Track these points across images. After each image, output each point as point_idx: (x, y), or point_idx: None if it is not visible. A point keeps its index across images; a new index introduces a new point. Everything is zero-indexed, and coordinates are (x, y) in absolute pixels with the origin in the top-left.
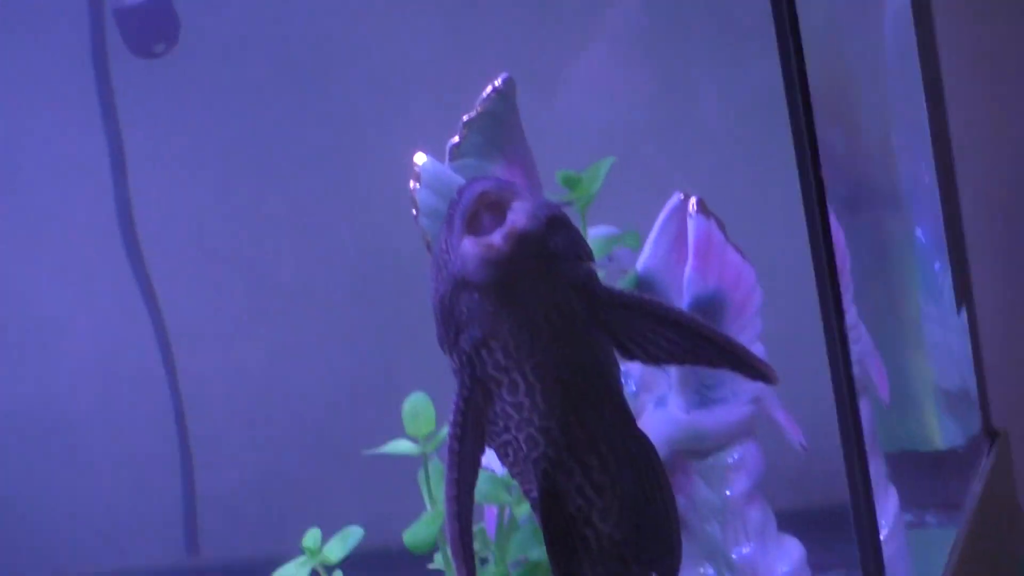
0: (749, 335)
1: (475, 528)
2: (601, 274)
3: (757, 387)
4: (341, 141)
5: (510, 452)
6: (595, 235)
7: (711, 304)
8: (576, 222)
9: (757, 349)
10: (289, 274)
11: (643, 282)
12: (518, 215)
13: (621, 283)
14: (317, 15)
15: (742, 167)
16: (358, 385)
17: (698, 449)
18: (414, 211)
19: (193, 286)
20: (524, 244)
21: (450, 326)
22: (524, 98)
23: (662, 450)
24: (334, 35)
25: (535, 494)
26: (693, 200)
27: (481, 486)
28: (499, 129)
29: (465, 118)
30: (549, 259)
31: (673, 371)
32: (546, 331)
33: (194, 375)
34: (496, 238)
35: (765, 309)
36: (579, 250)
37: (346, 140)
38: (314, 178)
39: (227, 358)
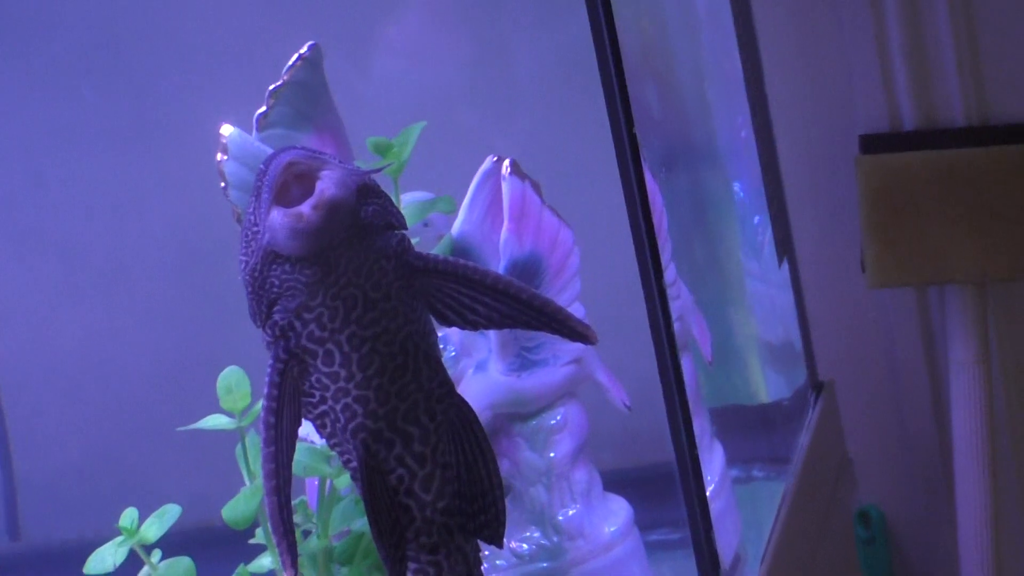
0: (568, 297)
1: (296, 501)
2: (415, 241)
3: (578, 348)
4: (148, 115)
5: (328, 423)
6: (408, 201)
7: (528, 267)
8: (389, 189)
9: (576, 310)
10: (103, 251)
11: (458, 247)
12: (327, 184)
13: (436, 249)
14: None
15: (557, 129)
16: (176, 362)
17: (521, 412)
18: (222, 184)
19: (3, 265)
20: (334, 213)
21: (262, 299)
22: (334, 65)
23: (484, 415)
24: (136, 4)
25: (355, 464)
26: (507, 162)
27: (300, 458)
28: (307, 98)
29: (271, 87)
30: (360, 228)
31: (493, 335)
32: (360, 301)
33: (7, 357)
34: (305, 208)
35: (584, 270)
36: (391, 218)
37: (153, 114)
38: (124, 154)
39: (41, 338)
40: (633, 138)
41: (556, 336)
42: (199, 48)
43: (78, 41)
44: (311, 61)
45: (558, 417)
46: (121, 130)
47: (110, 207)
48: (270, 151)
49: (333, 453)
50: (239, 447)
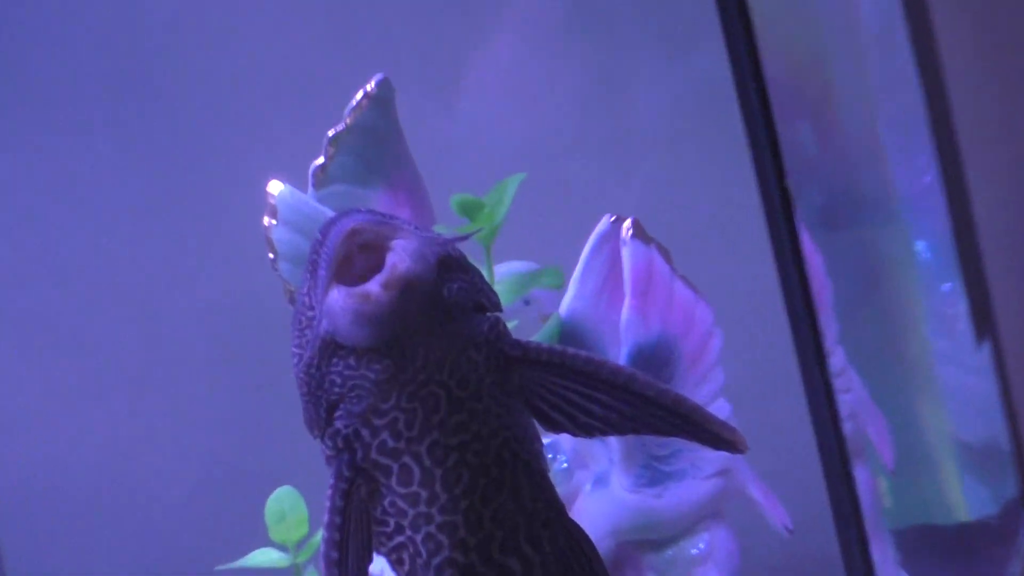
0: (708, 392)
1: None
2: (513, 324)
3: (724, 457)
4: (179, 172)
5: (406, 558)
6: (504, 274)
7: (657, 355)
8: (479, 260)
9: (720, 409)
10: (126, 342)
11: (567, 331)
12: (400, 256)
13: (540, 335)
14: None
15: (688, 181)
16: (216, 480)
17: (652, 539)
18: (271, 255)
19: (6, 362)
20: (409, 293)
21: (320, 402)
22: (410, 104)
23: (604, 543)
24: (162, 26)
25: None
26: (627, 223)
27: None
28: (375, 145)
29: (331, 133)
30: (443, 310)
31: (614, 442)
32: (444, 401)
33: (9, 464)
34: (373, 286)
35: (727, 357)
36: (481, 296)
37: (185, 171)
38: (150, 222)
39: (52, 445)
40: (785, 191)
41: (695, 443)
42: (243, 87)
43: (90, 74)
44: (380, 100)
45: (701, 545)
46: (146, 192)
47: (134, 288)
48: (329, 214)
49: None
50: None
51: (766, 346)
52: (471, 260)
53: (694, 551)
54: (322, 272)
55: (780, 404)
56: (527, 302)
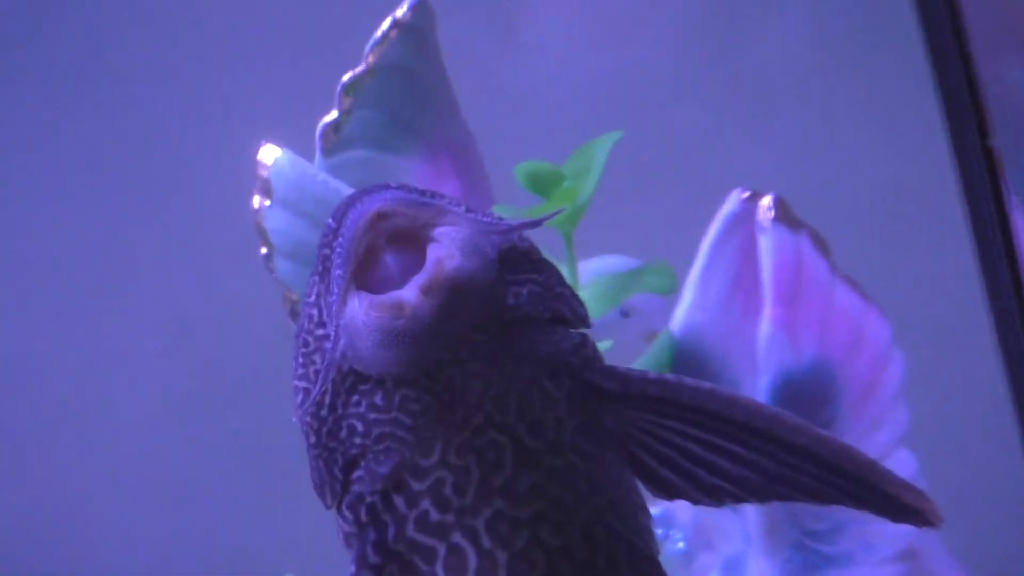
0: (884, 439)
1: None
2: (606, 346)
3: (908, 533)
4: (136, 127)
5: None
6: (593, 275)
7: (811, 387)
8: (559, 254)
9: (902, 463)
10: (67, 373)
11: (684, 354)
12: (447, 250)
13: (644, 360)
14: None
15: (850, 140)
16: (199, 562)
17: None
18: (263, 250)
19: None
20: (460, 301)
21: (334, 457)
22: (459, 39)
23: None
24: None
25: None
26: (766, 201)
27: None
28: (408, 94)
29: (347, 78)
30: (506, 325)
31: (752, 512)
32: (510, 456)
33: None
34: (409, 293)
35: (910, 389)
36: (561, 305)
37: (145, 126)
38: (94, 207)
39: None
40: (988, 152)
41: (868, 514)
42: (220, 10)
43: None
44: (415, 30)
45: None
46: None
47: (77, 298)
48: (346, 190)
49: None
50: None
51: (964, 371)
52: (546, 255)
53: None
54: (337, 273)
55: (985, 452)
56: (625, 313)
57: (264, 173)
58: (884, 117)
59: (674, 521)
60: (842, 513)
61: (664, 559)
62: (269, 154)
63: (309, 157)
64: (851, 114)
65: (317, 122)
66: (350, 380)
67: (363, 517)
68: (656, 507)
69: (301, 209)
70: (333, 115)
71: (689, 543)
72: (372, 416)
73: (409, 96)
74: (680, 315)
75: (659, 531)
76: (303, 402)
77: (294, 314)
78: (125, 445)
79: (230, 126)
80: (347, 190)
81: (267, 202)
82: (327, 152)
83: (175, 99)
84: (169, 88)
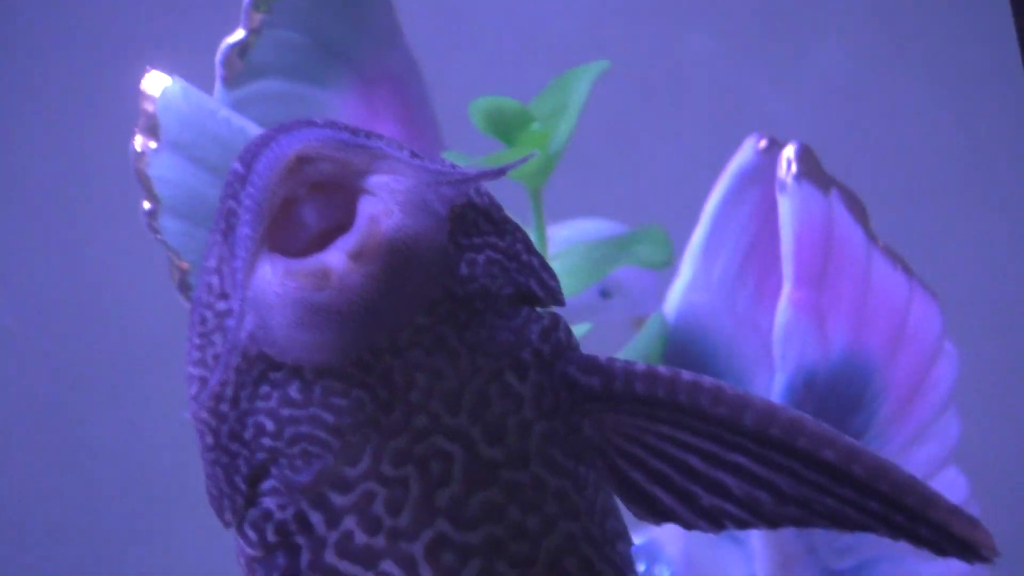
0: (930, 454)
1: None
2: (583, 330)
3: (956, 570)
4: None
5: None
6: (567, 241)
7: (841, 387)
8: (525, 216)
9: (950, 484)
10: None
11: (680, 342)
12: (384, 204)
13: (631, 348)
14: None
15: (895, 76)
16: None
17: None
18: (145, 204)
19: None
20: (400, 269)
21: (235, 464)
22: None
23: None
24: None
25: None
26: (788, 152)
27: None
28: (337, 10)
29: None
30: (459, 302)
31: (759, 541)
32: (459, 467)
33: None
34: (335, 258)
35: (964, 393)
36: (529, 278)
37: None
38: None
39: None
40: None
41: (906, 546)
42: None
43: None
44: None
45: None
46: None
47: None
48: (254, 129)
49: None
50: None
51: None
52: (508, 215)
53: None
54: (244, 232)
55: None
56: (606, 292)
57: (149, 108)
58: (944, 52)
59: (660, 554)
60: (873, 546)
61: None
62: (155, 83)
63: (208, 88)
64: (901, 48)
65: (218, 44)
66: (258, 367)
67: (270, 538)
68: (639, 535)
69: (196, 153)
70: (239, 35)
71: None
72: (286, 412)
73: (337, 14)
74: (676, 295)
75: (641, 567)
76: (198, 394)
77: (185, 286)
78: None
79: (104, 47)
80: (255, 130)
81: (152, 144)
82: (231, 82)
83: (36, 9)
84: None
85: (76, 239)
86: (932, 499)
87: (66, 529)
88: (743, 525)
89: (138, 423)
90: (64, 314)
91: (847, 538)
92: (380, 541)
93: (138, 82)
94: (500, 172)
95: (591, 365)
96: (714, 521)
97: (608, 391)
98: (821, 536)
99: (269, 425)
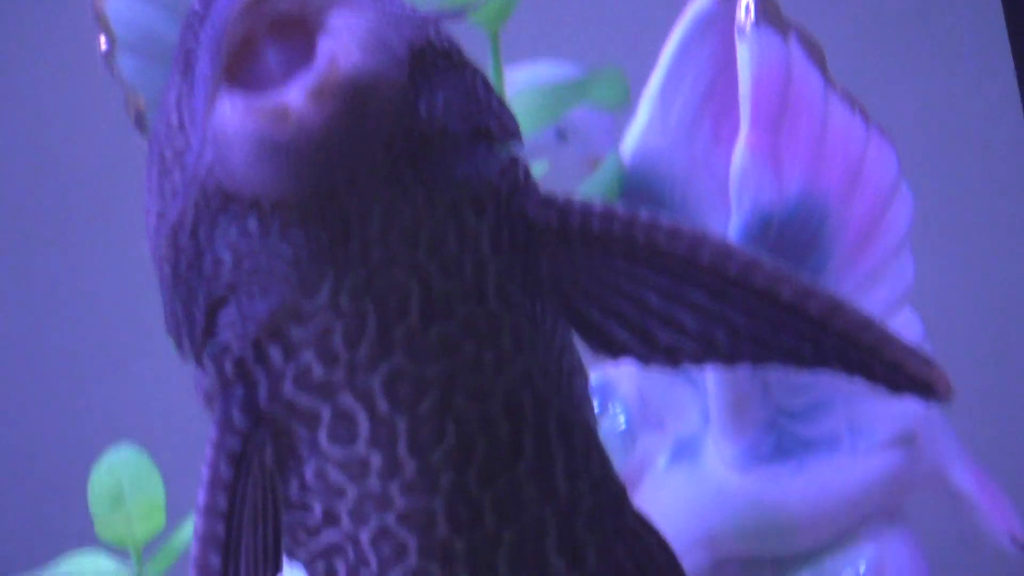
0: (886, 295)
1: None
2: (539, 169)
3: (909, 413)
4: None
5: (341, 570)
6: (524, 83)
7: (796, 228)
8: (484, 55)
9: (905, 325)
10: None
11: (637, 183)
12: (343, 42)
13: (587, 189)
14: None
15: None
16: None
17: (777, 552)
18: (101, 40)
19: None
20: (359, 107)
21: (193, 295)
22: None
23: (694, 556)
24: None
25: None
26: None
27: None
28: None
29: None
30: (418, 140)
31: (714, 382)
32: (416, 302)
33: None
34: (294, 95)
35: (934, 252)
36: (488, 118)
37: None
38: None
39: None
40: None
41: (859, 387)
42: None
43: None
44: None
45: (861, 567)
46: None
47: None
48: None
49: None
50: None
51: (993, 232)
52: (467, 55)
53: (850, 574)
54: (203, 70)
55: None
56: (562, 134)
57: None
58: None
59: (614, 392)
60: (826, 386)
61: (602, 437)
62: None
63: None
64: None
65: None
66: (217, 201)
67: (229, 371)
68: (593, 373)
69: None
70: None
71: (631, 420)
72: (244, 246)
73: None
74: (633, 138)
75: (596, 404)
76: (157, 227)
77: (142, 123)
78: None
79: None
80: None
81: None
82: None
83: None
84: None
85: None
86: (888, 338)
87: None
88: (699, 362)
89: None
90: None
91: (801, 378)
92: (338, 374)
93: None
94: (460, 14)
95: (548, 202)
96: (670, 358)
97: (565, 228)
98: (775, 376)
99: (227, 258)
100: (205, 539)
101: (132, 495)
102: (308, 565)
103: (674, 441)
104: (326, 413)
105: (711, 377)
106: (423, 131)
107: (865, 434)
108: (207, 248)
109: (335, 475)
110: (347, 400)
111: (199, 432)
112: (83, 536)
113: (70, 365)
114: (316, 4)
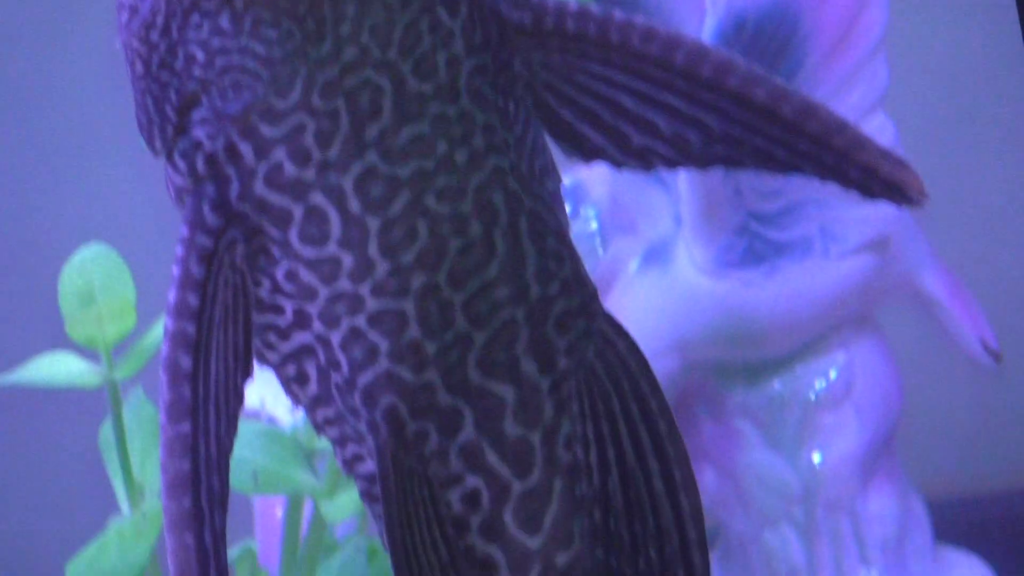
0: (860, 98)
1: (236, 549)
2: None
3: (882, 217)
4: None
5: (312, 372)
6: None
7: (770, 31)
8: None
9: (878, 129)
10: None
11: None
12: None
13: None
14: None
15: None
16: None
17: (746, 359)
18: None
19: None
20: None
21: (165, 92)
22: None
23: (664, 361)
24: None
25: (371, 466)
26: None
27: (247, 453)
28: None
29: None
30: None
31: (685, 184)
32: (389, 99)
33: None
34: None
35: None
36: None
37: None
38: None
39: None
40: None
41: (833, 188)
42: None
43: None
44: None
45: (832, 374)
46: None
47: None
48: None
49: (321, 441)
50: (105, 428)
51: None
52: None
53: (819, 386)
54: None
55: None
56: None
57: None
58: None
59: (586, 195)
60: (799, 190)
61: (573, 239)
62: None
63: None
64: None
65: None
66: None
67: (200, 168)
68: (566, 176)
69: None
70: None
71: (603, 223)
72: (216, 43)
73: None
74: None
75: (568, 207)
76: (129, 22)
77: None
78: None
79: None
80: None
81: None
82: None
83: None
84: None
85: None
86: (861, 140)
87: None
88: (672, 165)
89: None
90: None
91: (773, 181)
92: (309, 173)
93: None
94: None
95: (522, 2)
96: (643, 160)
97: (539, 27)
98: (747, 180)
99: (200, 55)
100: (176, 338)
101: (103, 293)
102: (279, 368)
103: (646, 245)
104: (298, 212)
105: (683, 181)
106: None
107: (838, 239)
108: (179, 45)
109: (306, 276)
110: (319, 199)
111: (171, 234)
112: (55, 341)
113: (39, 165)
114: None
